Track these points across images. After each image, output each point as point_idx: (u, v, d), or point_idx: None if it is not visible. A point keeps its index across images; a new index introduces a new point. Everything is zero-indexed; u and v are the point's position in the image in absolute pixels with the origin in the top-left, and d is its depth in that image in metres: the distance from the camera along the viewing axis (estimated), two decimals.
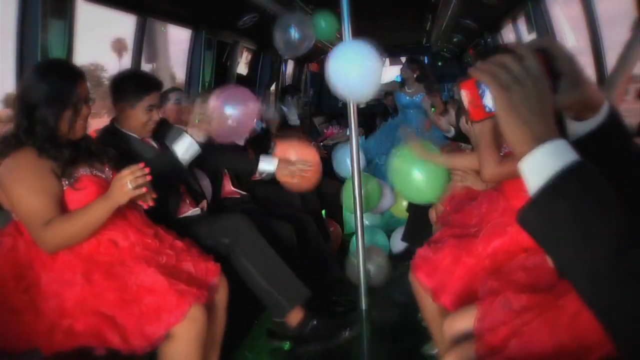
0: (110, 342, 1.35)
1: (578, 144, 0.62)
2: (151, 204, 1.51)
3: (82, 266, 1.44)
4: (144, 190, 1.38)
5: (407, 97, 4.13)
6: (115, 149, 1.78)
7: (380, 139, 4.10)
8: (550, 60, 0.66)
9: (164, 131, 2.08)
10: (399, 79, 4.33)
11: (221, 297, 1.69)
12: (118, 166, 1.68)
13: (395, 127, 4.14)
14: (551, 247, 0.60)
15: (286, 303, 1.96)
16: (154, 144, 2.06)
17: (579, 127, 0.74)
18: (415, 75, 4.07)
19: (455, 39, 5.97)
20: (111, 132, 1.99)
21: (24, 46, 1.99)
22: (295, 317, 2.00)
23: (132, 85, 1.97)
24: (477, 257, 1.56)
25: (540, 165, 0.60)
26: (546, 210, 0.58)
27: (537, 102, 0.62)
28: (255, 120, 2.36)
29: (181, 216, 2.09)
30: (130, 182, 1.36)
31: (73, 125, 1.51)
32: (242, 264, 1.91)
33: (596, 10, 2.62)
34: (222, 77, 4.06)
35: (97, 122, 2.10)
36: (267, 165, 2.25)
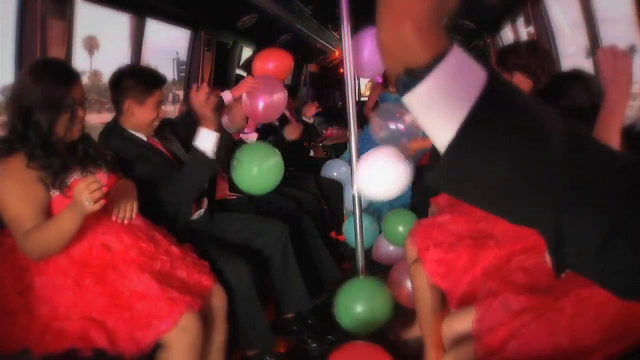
0: (98, 345, 1.34)
1: None
2: (126, 222, 1.50)
3: (74, 271, 1.43)
4: (102, 202, 1.32)
5: (392, 96, 4.18)
6: (119, 150, 1.77)
7: (363, 140, 4.13)
8: None
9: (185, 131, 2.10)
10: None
11: (218, 305, 1.67)
12: (115, 168, 1.67)
13: None
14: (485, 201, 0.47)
15: (247, 346, 1.95)
16: (161, 147, 2.02)
17: None
18: None
19: (454, 40, 5.97)
20: (116, 132, 1.94)
21: (23, 47, 1.98)
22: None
23: (142, 80, 1.91)
24: (495, 258, 1.54)
25: (435, 97, 0.43)
26: (466, 161, 0.44)
27: None
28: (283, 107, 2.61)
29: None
30: (86, 198, 1.28)
31: (70, 129, 1.49)
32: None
33: (595, 10, 2.62)
34: (222, 77, 4.06)
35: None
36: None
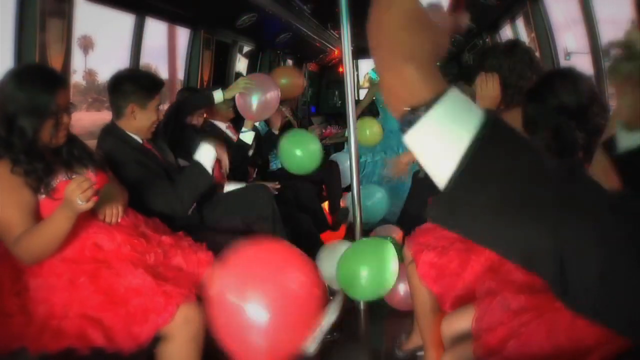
0: (95, 343, 1.34)
1: (626, 158, 0.54)
2: (113, 223, 1.52)
3: (67, 270, 1.43)
4: (95, 199, 1.31)
5: None
6: (114, 151, 1.76)
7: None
8: None
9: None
10: (373, 74, 4.44)
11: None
12: (104, 168, 1.67)
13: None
14: (486, 237, 0.48)
15: None
16: (154, 151, 2.04)
17: (628, 139, 0.68)
18: None
19: (453, 39, 5.97)
20: (112, 134, 1.95)
21: (22, 46, 1.97)
22: None
23: (144, 85, 1.94)
24: (486, 261, 1.53)
25: (435, 133, 0.45)
26: (469, 195, 0.45)
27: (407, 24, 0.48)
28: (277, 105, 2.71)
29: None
30: (79, 198, 1.28)
31: (55, 135, 1.48)
32: None
33: (594, 10, 2.62)
34: (221, 76, 4.06)
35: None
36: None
